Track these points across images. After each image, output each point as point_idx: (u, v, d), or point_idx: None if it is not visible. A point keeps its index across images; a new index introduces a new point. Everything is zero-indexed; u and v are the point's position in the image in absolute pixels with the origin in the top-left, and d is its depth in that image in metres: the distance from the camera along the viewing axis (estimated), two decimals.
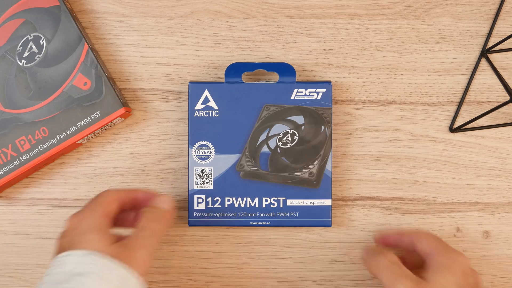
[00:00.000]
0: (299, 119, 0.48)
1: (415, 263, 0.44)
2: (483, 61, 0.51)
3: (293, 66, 0.49)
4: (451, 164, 0.50)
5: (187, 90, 0.50)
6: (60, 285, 0.34)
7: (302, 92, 0.48)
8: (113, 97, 0.47)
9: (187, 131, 0.49)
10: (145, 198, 0.43)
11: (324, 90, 0.48)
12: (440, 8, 0.51)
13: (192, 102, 0.48)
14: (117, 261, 0.36)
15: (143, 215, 0.41)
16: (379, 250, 0.43)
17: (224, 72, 0.50)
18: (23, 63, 0.47)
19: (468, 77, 0.51)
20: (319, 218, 0.47)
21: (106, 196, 0.42)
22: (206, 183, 0.47)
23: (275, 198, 0.47)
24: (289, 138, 0.47)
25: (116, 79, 0.50)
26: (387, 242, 0.46)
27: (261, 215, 0.47)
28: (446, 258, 0.41)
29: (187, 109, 0.49)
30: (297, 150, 0.48)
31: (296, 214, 0.47)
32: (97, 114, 0.47)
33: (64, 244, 0.38)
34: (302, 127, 0.48)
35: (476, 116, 0.48)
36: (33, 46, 0.48)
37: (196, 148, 0.47)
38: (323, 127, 0.48)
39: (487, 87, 0.51)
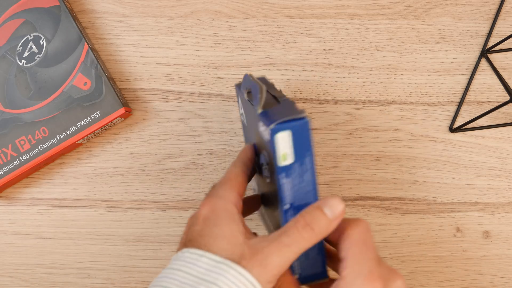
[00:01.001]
0: None
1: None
2: (483, 61, 0.51)
3: (293, 66, 0.49)
4: (451, 164, 0.50)
5: (186, 90, 0.50)
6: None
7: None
8: (113, 97, 0.47)
9: (187, 133, 0.49)
10: None
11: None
12: (440, 8, 0.52)
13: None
14: (247, 272, 0.30)
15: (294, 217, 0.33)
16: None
17: (224, 73, 0.50)
18: (23, 63, 0.47)
19: (468, 77, 0.51)
20: None
21: (236, 176, 0.35)
22: None
23: None
24: None
25: (116, 79, 0.51)
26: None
27: None
28: (354, 284, 0.30)
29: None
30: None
31: None
32: (97, 114, 0.47)
33: (195, 235, 0.32)
34: None
35: (476, 116, 0.48)
36: (33, 46, 0.48)
37: None
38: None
39: (487, 87, 0.51)
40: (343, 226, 0.33)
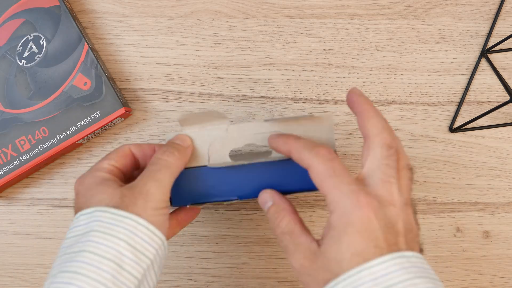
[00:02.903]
0: None
1: None
2: (483, 61, 0.51)
3: (293, 66, 0.49)
4: (451, 164, 0.50)
5: (186, 90, 0.49)
6: (68, 250, 0.31)
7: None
8: (113, 97, 0.47)
9: None
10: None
11: None
12: (440, 8, 0.51)
13: None
14: (122, 211, 0.31)
15: (155, 152, 0.37)
16: (277, 211, 0.34)
17: (224, 73, 0.50)
18: (23, 63, 0.47)
19: (468, 77, 0.51)
20: None
21: (116, 150, 0.37)
22: None
23: None
24: None
25: (116, 79, 0.50)
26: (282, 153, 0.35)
27: None
28: (343, 217, 0.29)
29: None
30: None
31: None
32: (97, 114, 0.47)
33: (76, 209, 0.34)
34: None
35: (476, 116, 0.48)
36: (33, 46, 0.48)
37: None
38: None
39: (487, 87, 0.51)
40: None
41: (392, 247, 0.29)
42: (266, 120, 0.39)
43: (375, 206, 0.29)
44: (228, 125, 0.39)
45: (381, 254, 0.28)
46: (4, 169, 0.47)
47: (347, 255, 0.28)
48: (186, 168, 0.39)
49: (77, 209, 0.34)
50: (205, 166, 0.39)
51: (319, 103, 0.50)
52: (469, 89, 0.51)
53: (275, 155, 0.38)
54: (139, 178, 0.34)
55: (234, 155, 0.42)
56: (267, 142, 0.38)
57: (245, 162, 0.38)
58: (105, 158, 0.37)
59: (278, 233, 0.33)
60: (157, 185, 0.33)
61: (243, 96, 0.50)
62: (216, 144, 0.39)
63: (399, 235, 0.29)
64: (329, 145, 0.38)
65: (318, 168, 0.31)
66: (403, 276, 0.27)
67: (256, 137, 0.39)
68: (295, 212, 0.34)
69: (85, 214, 0.32)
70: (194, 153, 0.39)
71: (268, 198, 0.36)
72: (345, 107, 0.50)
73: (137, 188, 0.33)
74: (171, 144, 0.37)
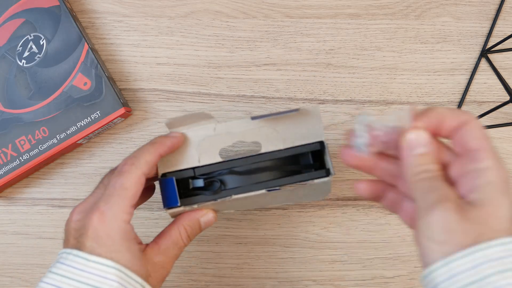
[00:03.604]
0: None
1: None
2: (483, 61, 0.51)
3: (293, 66, 0.49)
4: None
5: (186, 90, 0.50)
6: None
7: None
8: (113, 97, 0.47)
9: None
10: None
11: None
12: (440, 8, 0.51)
13: None
14: (144, 281, 0.33)
15: (180, 229, 0.38)
16: (429, 152, 0.30)
17: (224, 73, 0.50)
18: (23, 63, 0.47)
19: (468, 77, 0.51)
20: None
21: (135, 183, 0.34)
22: None
23: None
24: None
25: (116, 79, 0.50)
26: (430, 127, 0.31)
27: None
28: (499, 174, 0.28)
29: None
30: None
31: None
32: (97, 114, 0.47)
33: (80, 233, 0.33)
34: None
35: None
36: (33, 46, 0.48)
37: None
38: None
39: (487, 87, 0.51)
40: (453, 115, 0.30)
41: None
42: (253, 118, 0.38)
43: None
44: (216, 124, 0.39)
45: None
46: (4, 169, 0.47)
47: (493, 218, 0.26)
48: (176, 171, 0.38)
49: (91, 248, 0.32)
50: (196, 167, 0.39)
51: (319, 103, 0.50)
52: (469, 89, 0.51)
53: (264, 149, 0.38)
54: (157, 258, 0.36)
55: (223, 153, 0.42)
56: (255, 138, 0.38)
57: (235, 157, 0.38)
58: (123, 193, 0.34)
59: (423, 175, 0.29)
60: (166, 273, 0.37)
61: (243, 96, 0.50)
62: (205, 144, 0.39)
63: None
64: (318, 135, 0.38)
65: (479, 124, 0.29)
66: None
67: (244, 134, 0.39)
68: (440, 171, 0.30)
69: (111, 267, 0.32)
70: (183, 154, 0.39)
71: (424, 141, 0.30)
72: (345, 107, 0.50)
73: (151, 268, 0.36)
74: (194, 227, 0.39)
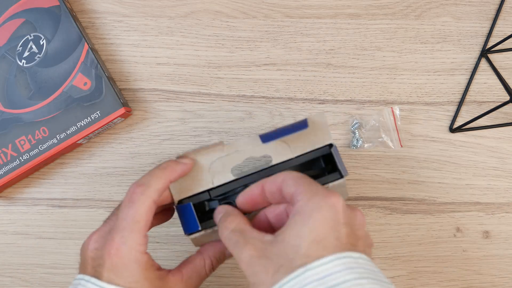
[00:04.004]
0: None
1: None
2: (483, 61, 0.51)
3: (293, 66, 0.49)
4: (451, 164, 0.50)
5: (186, 90, 0.50)
6: None
7: None
8: (113, 97, 0.47)
9: (187, 133, 0.49)
10: None
11: None
12: (440, 8, 0.51)
13: None
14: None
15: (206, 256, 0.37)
16: (226, 216, 0.34)
17: (224, 73, 0.50)
18: (23, 63, 0.47)
19: (468, 77, 0.51)
20: None
21: (145, 212, 0.34)
22: None
23: None
24: None
25: (116, 79, 0.51)
26: (255, 203, 0.35)
27: None
28: (310, 202, 0.30)
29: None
30: None
31: None
32: (97, 114, 0.47)
33: (97, 263, 0.33)
34: None
35: (476, 116, 0.48)
36: (33, 46, 0.48)
37: None
38: None
39: (487, 87, 0.51)
40: (275, 180, 0.33)
41: (351, 247, 0.29)
42: (263, 140, 0.38)
43: (343, 204, 0.30)
44: (224, 145, 0.38)
45: (341, 249, 0.28)
46: (4, 169, 0.47)
47: (307, 241, 0.28)
48: (191, 196, 0.38)
49: (109, 278, 0.32)
50: (211, 189, 0.38)
51: (319, 103, 0.50)
52: (469, 89, 0.51)
53: (275, 161, 0.38)
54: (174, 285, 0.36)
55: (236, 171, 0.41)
56: (265, 152, 0.38)
57: (248, 173, 0.38)
58: (135, 227, 0.33)
59: (226, 234, 0.33)
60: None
61: (243, 96, 0.50)
62: (216, 165, 0.38)
63: (359, 239, 0.30)
64: (326, 139, 0.38)
65: (292, 174, 0.32)
66: (351, 275, 0.27)
67: (253, 150, 0.38)
68: (246, 218, 0.34)
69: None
70: (195, 178, 0.38)
71: (221, 210, 0.36)
72: (345, 107, 0.50)
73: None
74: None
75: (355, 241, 0.30)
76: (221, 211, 0.35)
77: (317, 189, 0.31)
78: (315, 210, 0.29)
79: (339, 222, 0.29)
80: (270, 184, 0.33)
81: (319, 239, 0.28)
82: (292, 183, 0.32)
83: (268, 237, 0.31)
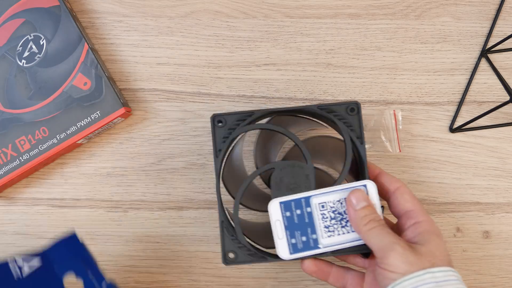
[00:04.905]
0: None
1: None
2: (483, 61, 0.51)
3: (293, 66, 0.49)
4: (451, 164, 0.50)
5: (186, 90, 0.50)
6: None
7: None
8: (113, 97, 0.47)
9: (187, 133, 0.49)
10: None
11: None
12: (440, 8, 0.52)
13: None
14: None
15: None
16: (369, 205, 0.39)
17: (224, 73, 0.50)
18: (23, 63, 0.47)
19: (468, 77, 0.51)
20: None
21: None
22: None
23: None
24: None
25: (116, 79, 0.51)
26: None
27: None
28: (432, 224, 0.39)
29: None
30: None
31: None
32: (97, 114, 0.47)
33: None
34: None
35: (476, 116, 0.48)
36: (33, 46, 0.48)
37: None
38: None
39: (487, 87, 0.51)
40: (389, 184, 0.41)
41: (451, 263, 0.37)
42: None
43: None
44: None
45: (450, 264, 0.37)
46: (4, 169, 0.47)
47: (438, 252, 0.36)
48: None
49: None
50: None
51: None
52: (469, 89, 0.51)
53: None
54: None
55: None
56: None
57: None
58: None
59: (373, 225, 0.38)
60: None
61: (243, 96, 0.50)
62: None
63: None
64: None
65: (408, 189, 0.41)
66: (461, 285, 0.36)
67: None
68: (384, 221, 0.40)
69: None
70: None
71: (363, 197, 0.39)
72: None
73: None
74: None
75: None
76: (363, 199, 0.39)
77: (427, 214, 0.39)
78: (434, 234, 0.38)
79: (445, 244, 0.38)
80: (388, 182, 0.41)
81: (442, 253, 0.37)
82: (410, 199, 0.40)
83: (408, 243, 0.37)
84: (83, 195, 0.50)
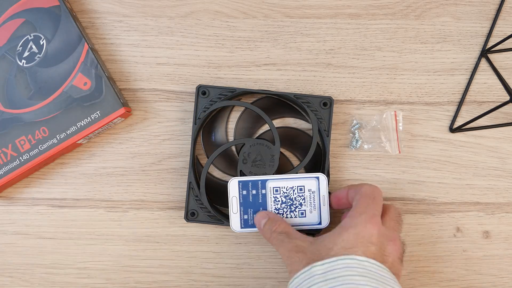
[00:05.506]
0: None
1: None
2: (483, 61, 0.51)
3: (293, 66, 0.49)
4: (451, 164, 0.50)
5: (186, 90, 0.50)
6: None
7: None
8: (113, 97, 0.47)
9: (187, 133, 0.49)
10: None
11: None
12: (440, 8, 0.51)
13: None
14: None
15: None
16: (271, 219, 0.43)
17: (224, 73, 0.50)
18: (23, 63, 0.47)
19: (468, 77, 0.51)
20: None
21: None
22: None
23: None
24: None
25: (116, 79, 0.51)
26: (340, 202, 0.44)
27: None
28: (354, 219, 0.38)
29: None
30: None
31: None
32: (97, 114, 0.47)
33: None
34: None
35: (476, 116, 0.48)
36: (33, 46, 0.48)
37: None
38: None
39: (487, 87, 0.51)
40: (359, 185, 0.41)
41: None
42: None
43: (379, 231, 0.37)
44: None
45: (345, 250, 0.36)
46: (4, 169, 0.47)
47: (338, 246, 0.36)
48: None
49: None
50: None
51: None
52: (469, 89, 0.51)
53: None
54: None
55: None
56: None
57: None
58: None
59: (274, 236, 0.41)
60: None
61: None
62: None
63: (386, 263, 0.37)
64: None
65: (369, 191, 0.40)
66: (347, 272, 0.34)
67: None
68: (285, 227, 0.42)
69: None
70: None
71: (263, 215, 0.43)
72: (345, 107, 0.50)
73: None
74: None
75: (381, 260, 0.36)
76: (263, 217, 0.43)
77: (367, 211, 0.38)
78: (352, 227, 0.37)
79: (370, 241, 0.36)
80: (352, 191, 0.42)
81: (348, 247, 0.36)
82: (359, 198, 0.40)
83: (309, 238, 0.40)
84: (83, 195, 0.50)
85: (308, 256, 0.37)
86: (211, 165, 0.49)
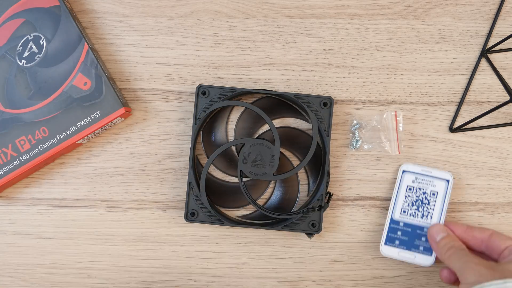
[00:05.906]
0: None
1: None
2: (483, 61, 0.51)
3: (293, 66, 0.49)
4: (451, 164, 0.50)
5: (186, 90, 0.50)
6: None
7: None
8: (113, 97, 0.47)
9: (187, 133, 0.50)
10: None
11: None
12: (440, 8, 0.51)
13: None
14: None
15: None
16: (447, 235, 0.45)
17: (224, 73, 0.50)
18: (23, 63, 0.47)
19: (468, 77, 0.51)
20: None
21: None
22: None
23: None
24: None
25: (116, 79, 0.51)
26: (455, 233, 0.47)
27: None
28: None
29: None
30: None
31: None
32: (97, 114, 0.47)
33: None
34: None
35: (476, 116, 0.48)
36: (33, 46, 0.48)
37: None
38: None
39: (487, 87, 0.51)
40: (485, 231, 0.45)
41: None
42: None
43: None
44: None
45: None
46: (4, 169, 0.47)
47: None
48: None
49: None
50: None
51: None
52: (469, 89, 0.51)
53: None
54: None
55: None
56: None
57: None
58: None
59: (453, 251, 0.44)
60: None
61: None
62: None
63: None
64: None
65: (499, 232, 0.45)
66: None
67: None
68: (463, 245, 0.45)
69: None
70: None
71: (441, 229, 0.46)
72: (345, 107, 0.50)
73: None
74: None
75: None
76: (440, 231, 0.46)
77: None
78: None
79: None
80: (478, 233, 0.45)
81: None
82: (504, 238, 0.44)
83: (491, 262, 0.43)
84: (83, 195, 0.50)
85: (499, 273, 0.40)
86: (211, 165, 0.49)
